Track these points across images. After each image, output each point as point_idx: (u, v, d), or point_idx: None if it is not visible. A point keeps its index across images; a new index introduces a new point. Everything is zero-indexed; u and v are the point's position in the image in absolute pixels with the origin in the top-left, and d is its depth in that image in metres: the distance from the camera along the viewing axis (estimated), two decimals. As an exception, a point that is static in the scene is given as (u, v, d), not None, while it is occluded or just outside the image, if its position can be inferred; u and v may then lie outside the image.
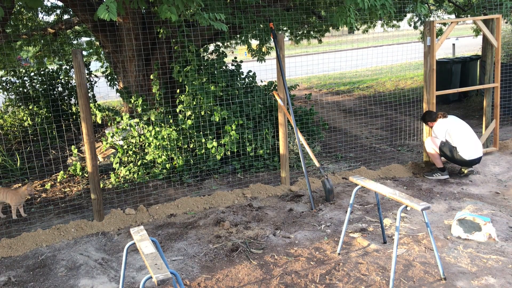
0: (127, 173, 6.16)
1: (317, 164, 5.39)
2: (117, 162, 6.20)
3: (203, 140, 6.12)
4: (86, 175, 6.55)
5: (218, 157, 6.12)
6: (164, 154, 6.08)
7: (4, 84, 9.44)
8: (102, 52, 10.57)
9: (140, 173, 6.06)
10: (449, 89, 8.14)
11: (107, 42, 6.79)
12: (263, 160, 6.52)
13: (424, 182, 5.70)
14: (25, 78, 9.34)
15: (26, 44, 9.73)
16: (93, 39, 10.66)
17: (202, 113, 6.23)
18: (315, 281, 3.65)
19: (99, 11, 3.73)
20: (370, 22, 11.52)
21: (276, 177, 6.11)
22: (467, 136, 5.63)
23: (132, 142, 6.27)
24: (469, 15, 9.21)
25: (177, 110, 6.32)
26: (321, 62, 16.41)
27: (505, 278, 3.52)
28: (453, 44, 15.23)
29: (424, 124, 6.12)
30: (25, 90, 9.29)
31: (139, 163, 6.13)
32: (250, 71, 7.05)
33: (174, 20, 4.16)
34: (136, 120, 6.25)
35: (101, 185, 5.79)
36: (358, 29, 12.48)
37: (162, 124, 6.11)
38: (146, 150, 6.28)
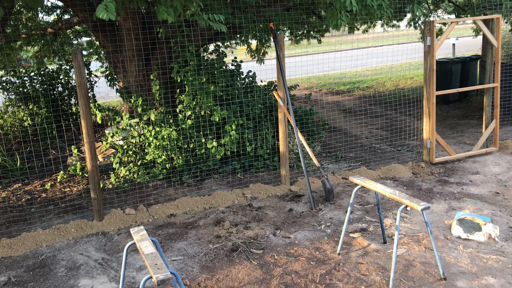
0: (127, 173, 6.16)
1: (317, 164, 5.40)
2: (117, 162, 6.20)
3: (203, 140, 6.12)
4: (86, 175, 6.55)
5: (218, 157, 6.12)
6: (164, 154, 6.08)
7: (4, 84, 9.44)
8: (102, 52, 10.57)
9: (140, 173, 6.06)
10: (449, 89, 8.14)
11: (107, 42, 6.79)
12: (263, 160, 6.52)
13: (424, 182, 5.70)
14: (25, 78, 9.34)
15: (26, 44, 9.73)
16: (93, 39, 10.66)
17: (202, 113, 6.23)
18: (315, 281, 3.65)
19: (98, 11, 3.75)
20: (370, 22, 11.52)
21: (276, 177, 6.11)
22: None
23: (132, 142, 6.28)
24: (469, 15, 9.21)
25: (177, 110, 6.32)
26: (321, 62, 16.44)
27: (505, 278, 3.52)
28: (453, 44, 15.23)
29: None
30: (25, 90, 9.29)
31: (139, 163, 6.13)
32: (250, 71, 7.05)
33: (171, 21, 4.17)
34: (136, 120, 6.25)
35: (101, 185, 5.80)
36: (358, 29, 12.47)
37: (162, 124, 6.11)
38: (146, 150, 6.28)
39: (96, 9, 3.78)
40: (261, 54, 10.07)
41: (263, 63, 9.93)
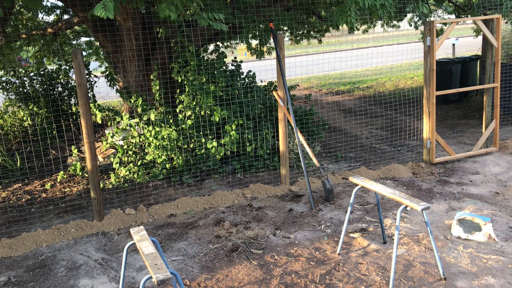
0: (127, 173, 6.16)
1: (317, 164, 5.40)
2: (117, 162, 6.20)
3: (203, 140, 6.12)
4: (86, 175, 6.55)
5: (218, 157, 6.12)
6: (164, 154, 6.08)
7: (4, 84, 9.44)
8: (102, 52, 10.58)
9: (140, 173, 6.06)
10: (449, 89, 8.14)
11: (107, 42, 6.79)
12: (263, 160, 6.52)
13: (424, 182, 5.70)
14: (25, 78, 9.34)
15: (26, 44, 9.73)
16: (93, 39, 10.66)
17: (202, 113, 6.23)
18: (315, 281, 3.65)
19: (96, 9, 3.73)
20: (370, 22, 11.52)
21: (276, 177, 6.11)
22: None
23: (132, 142, 6.28)
24: (469, 15, 9.21)
25: (177, 110, 6.32)
26: (321, 62, 16.44)
27: (505, 278, 3.52)
28: (453, 44, 15.23)
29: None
30: (25, 90, 9.29)
31: (139, 163, 6.13)
32: (250, 71, 7.05)
33: (173, 18, 4.15)
34: (136, 120, 6.25)
35: (101, 185, 5.79)
36: (358, 29, 12.47)
37: (162, 124, 6.11)
38: (146, 150, 6.27)
39: (95, 7, 3.77)
40: (264, 53, 10.06)
41: (263, 57, 9.93)
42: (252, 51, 10.15)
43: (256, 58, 10.03)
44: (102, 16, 3.69)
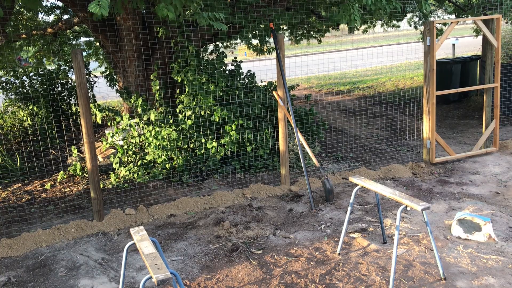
0: (127, 173, 6.16)
1: (317, 164, 5.40)
2: (117, 162, 6.20)
3: (203, 140, 6.12)
4: (86, 175, 6.55)
5: (218, 157, 6.12)
6: (164, 154, 6.08)
7: (4, 84, 9.44)
8: (102, 52, 10.58)
9: (140, 173, 6.06)
10: (449, 89, 8.14)
11: (107, 42, 6.79)
12: (263, 160, 6.52)
13: (424, 182, 5.70)
14: (25, 78, 9.34)
15: (26, 44, 9.73)
16: (93, 39, 10.66)
17: (202, 113, 6.23)
18: (315, 281, 3.65)
19: (90, 6, 3.67)
20: (370, 22, 11.52)
21: (276, 177, 6.11)
22: None
23: (132, 142, 6.28)
24: (469, 15, 9.21)
25: (177, 110, 6.32)
26: (321, 62, 16.45)
27: (505, 278, 3.52)
28: (453, 44, 15.23)
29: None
30: (25, 90, 9.29)
31: (139, 163, 6.13)
32: (249, 71, 7.05)
33: (171, 18, 4.14)
34: (136, 120, 6.25)
35: (101, 185, 5.79)
36: (358, 29, 12.47)
37: (162, 124, 6.11)
38: (146, 150, 6.28)
39: (89, 4, 3.72)
40: (264, 51, 10.05)
41: (263, 54, 9.92)
42: (253, 48, 10.15)
43: (256, 55, 10.02)
44: (96, 12, 3.64)
